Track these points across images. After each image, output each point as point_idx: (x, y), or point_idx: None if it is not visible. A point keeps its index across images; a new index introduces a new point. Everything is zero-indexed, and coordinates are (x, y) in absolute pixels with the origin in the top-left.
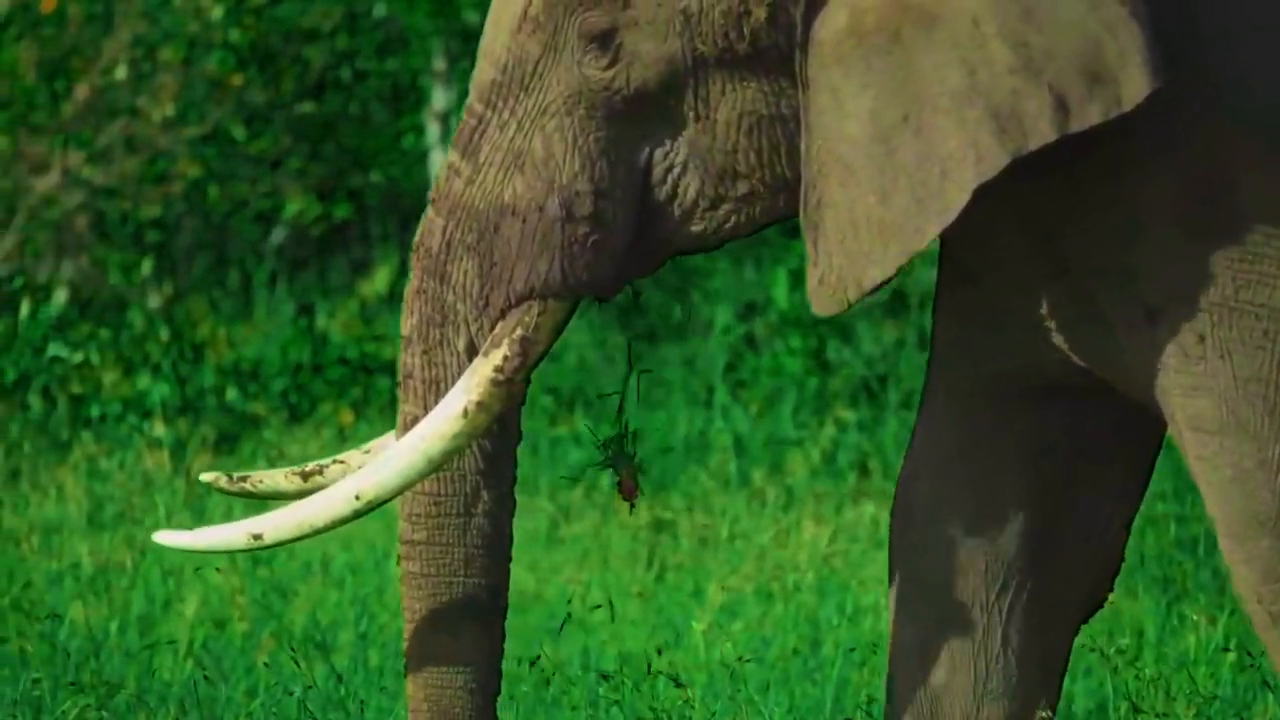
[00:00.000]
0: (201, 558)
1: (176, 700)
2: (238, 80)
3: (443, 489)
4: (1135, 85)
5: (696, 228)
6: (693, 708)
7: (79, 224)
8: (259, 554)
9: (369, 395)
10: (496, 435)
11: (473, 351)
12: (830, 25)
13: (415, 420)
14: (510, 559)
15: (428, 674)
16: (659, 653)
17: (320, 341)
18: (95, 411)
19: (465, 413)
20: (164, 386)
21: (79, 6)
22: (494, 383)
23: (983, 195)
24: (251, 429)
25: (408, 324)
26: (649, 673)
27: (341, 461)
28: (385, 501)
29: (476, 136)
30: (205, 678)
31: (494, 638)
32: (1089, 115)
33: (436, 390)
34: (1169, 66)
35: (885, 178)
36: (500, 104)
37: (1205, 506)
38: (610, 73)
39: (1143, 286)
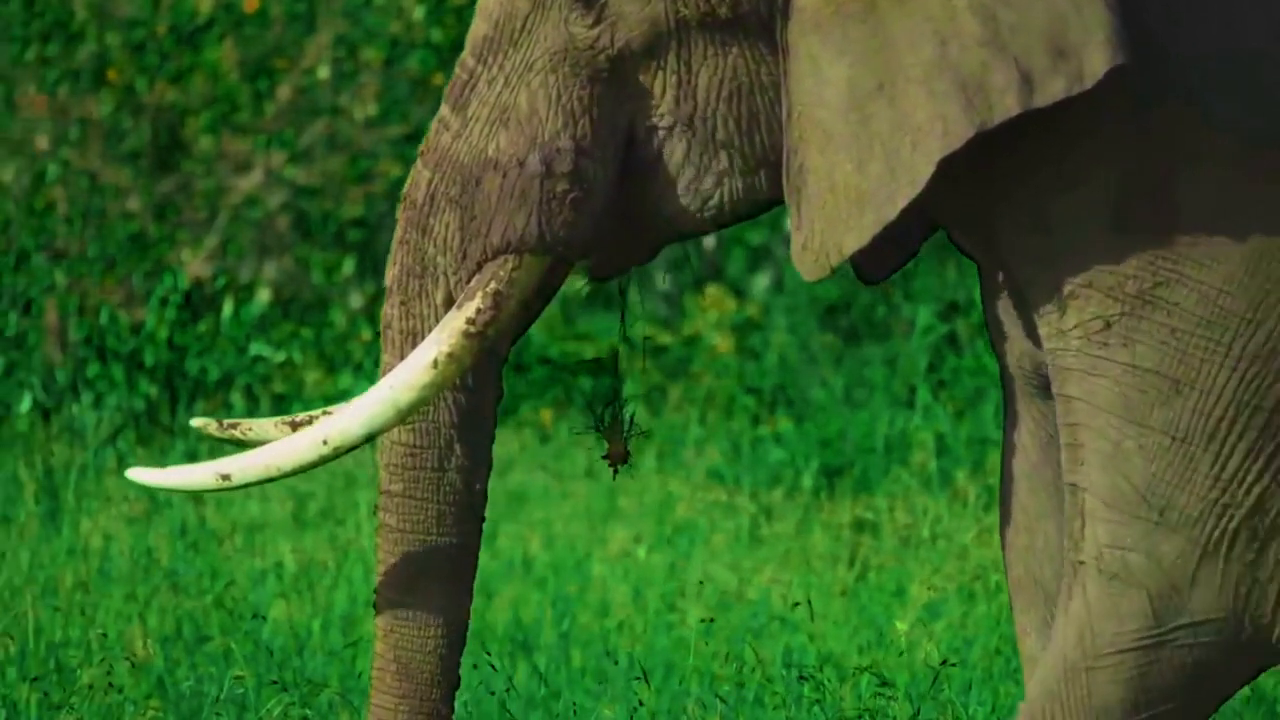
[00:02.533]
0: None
1: None
2: (439, 80)
3: (418, 440)
4: (1097, 61)
5: (684, 201)
6: (894, 707)
7: (281, 224)
8: None
9: (570, 394)
10: (472, 390)
11: (450, 304)
12: None
13: (391, 369)
14: (483, 518)
15: (396, 633)
16: (860, 652)
17: (521, 340)
18: (297, 410)
19: (435, 363)
20: (366, 385)
21: (281, 7)
22: (465, 335)
23: (962, 176)
24: None
25: (390, 274)
26: (851, 672)
27: (329, 413)
28: (352, 448)
29: (466, 91)
30: None
31: (463, 597)
32: (1052, 90)
33: (413, 341)
34: (1132, 46)
35: (861, 145)
36: (490, 59)
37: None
38: (595, 31)
39: (1061, 269)
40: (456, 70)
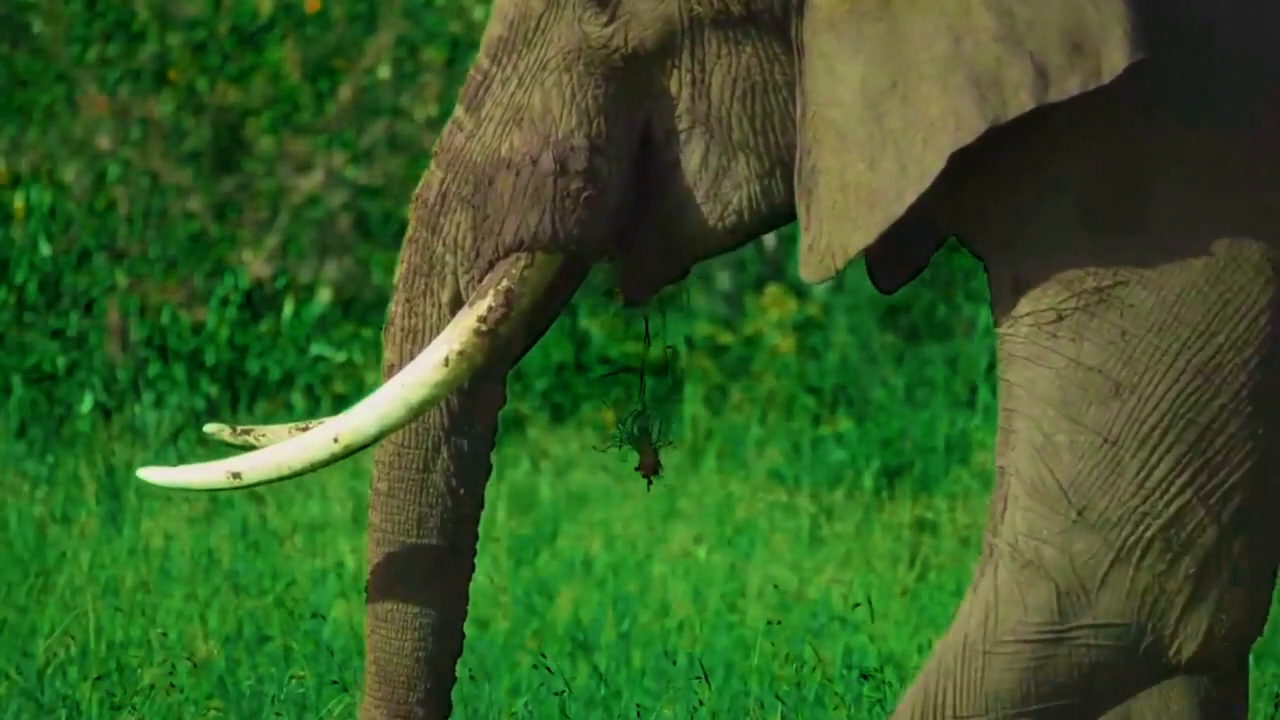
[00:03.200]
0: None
1: None
2: None
3: (406, 440)
4: (1115, 57)
5: (704, 210)
6: None
7: (342, 224)
8: (522, 555)
9: (631, 394)
10: (468, 395)
11: (457, 304)
12: None
13: (393, 368)
14: (476, 520)
15: (375, 634)
16: (920, 652)
17: (582, 341)
18: None
19: (446, 361)
20: None
21: (343, 7)
22: (477, 332)
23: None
24: (515, 428)
25: (397, 272)
26: (911, 672)
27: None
28: (363, 446)
29: (480, 91)
30: (471, 677)
31: (447, 601)
32: (1068, 85)
33: (413, 339)
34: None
35: (874, 144)
36: (504, 59)
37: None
38: (609, 30)
39: (1022, 257)
40: (471, 72)
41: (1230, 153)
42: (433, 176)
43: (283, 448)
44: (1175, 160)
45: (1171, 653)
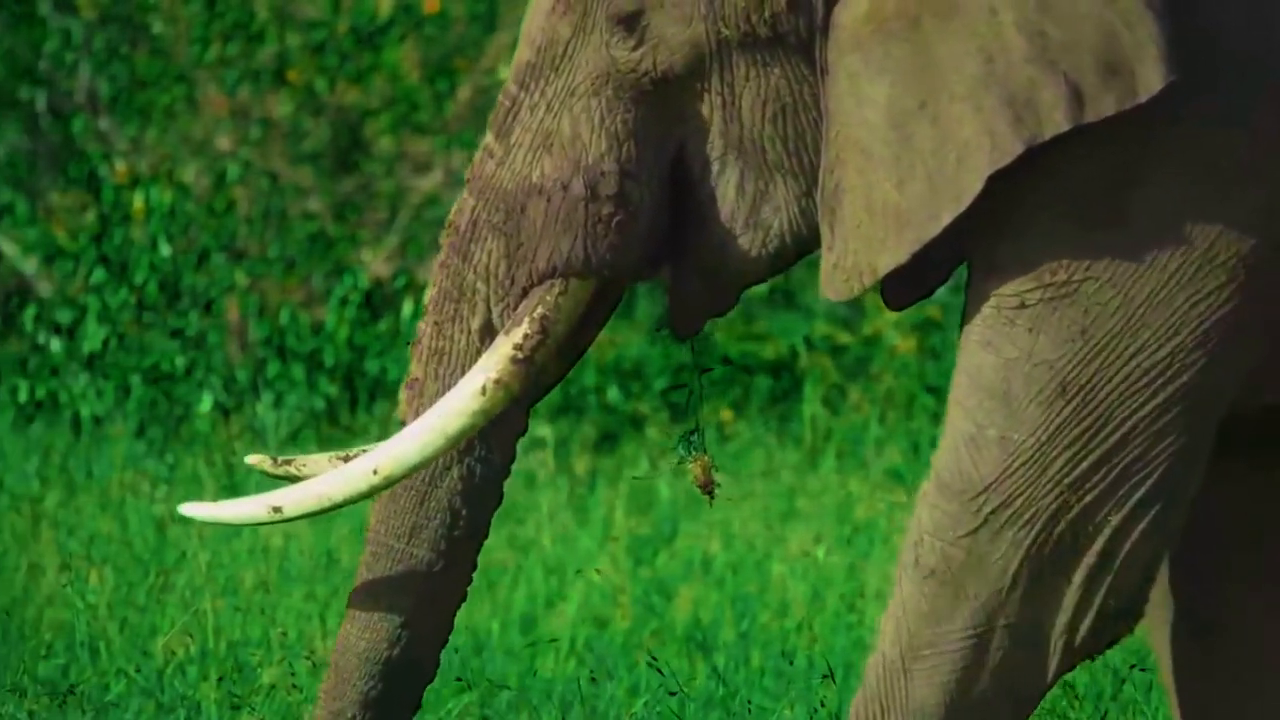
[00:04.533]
0: (584, 556)
1: (559, 699)
2: None
3: None
4: (1150, 77)
5: (745, 240)
6: (1077, 710)
7: None
8: (641, 554)
9: (749, 394)
10: (490, 422)
11: (486, 331)
12: (850, 10)
13: (417, 382)
14: (475, 543)
15: (342, 628)
16: None
17: (701, 340)
18: None
19: (484, 390)
20: None
21: (462, 7)
22: (513, 360)
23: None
24: (632, 428)
25: (429, 294)
26: None
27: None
28: (403, 478)
29: (510, 118)
30: (592, 678)
31: (418, 613)
32: (1104, 106)
33: (439, 359)
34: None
35: (902, 164)
36: (533, 85)
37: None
38: (637, 54)
39: (998, 240)
40: (500, 98)
41: (1224, 153)
42: (464, 203)
43: (323, 480)
44: (1165, 158)
45: (1077, 644)
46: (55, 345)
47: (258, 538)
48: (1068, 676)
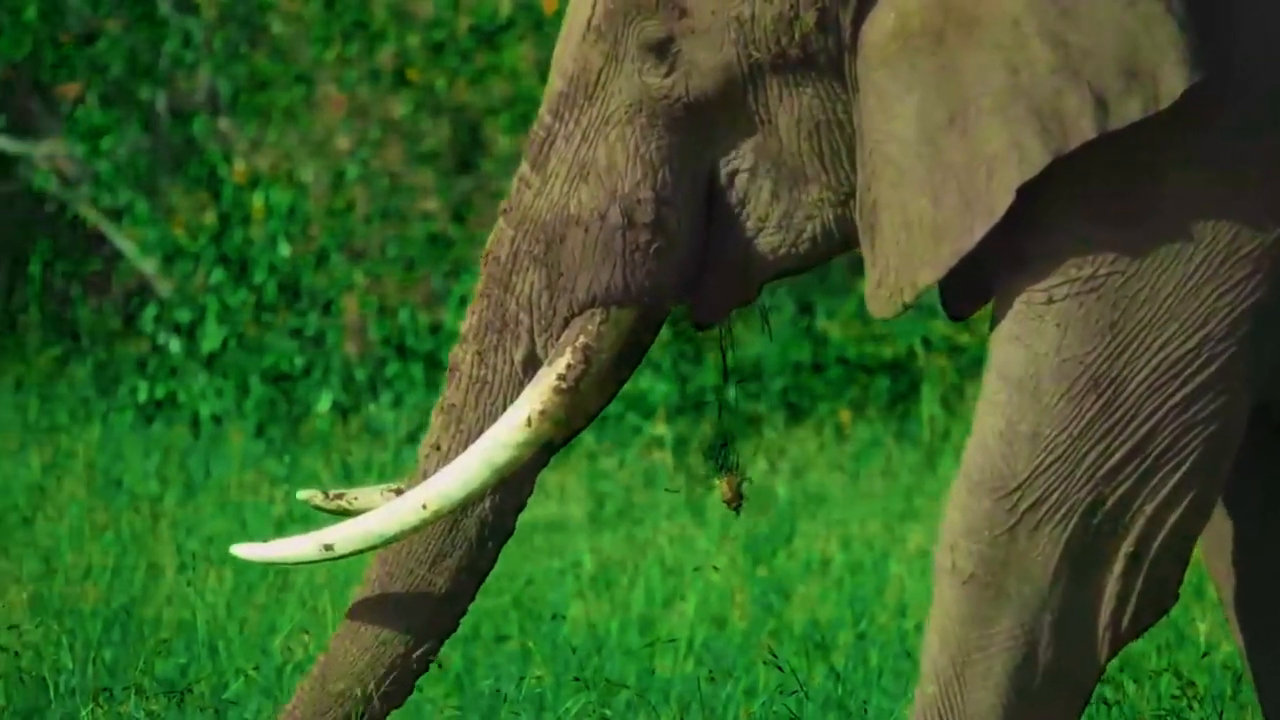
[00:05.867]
0: (702, 556)
1: (677, 698)
2: None
3: None
4: (1173, 81)
5: (778, 237)
6: (1195, 709)
7: None
8: (759, 554)
9: (867, 395)
10: None
11: (530, 361)
12: (877, 28)
13: (454, 408)
14: (482, 579)
15: (334, 639)
16: (1159, 653)
17: (819, 341)
18: None
19: (529, 421)
20: (665, 385)
21: None
22: (557, 390)
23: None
24: (751, 428)
25: (467, 323)
26: (1149, 674)
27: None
28: (451, 511)
29: (545, 148)
30: (711, 678)
31: (412, 639)
32: (1128, 112)
33: (478, 389)
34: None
35: (935, 179)
36: (567, 115)
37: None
38: (669, 81)
39: (1023, 234)
40: (534, 128)
41: (1248, 153)
42: (503, 234)
43: (373, 517)
44: (1189, 156)
45: (1122, 631)
46: (175, 345)
47: None
48: (1187, 675)
